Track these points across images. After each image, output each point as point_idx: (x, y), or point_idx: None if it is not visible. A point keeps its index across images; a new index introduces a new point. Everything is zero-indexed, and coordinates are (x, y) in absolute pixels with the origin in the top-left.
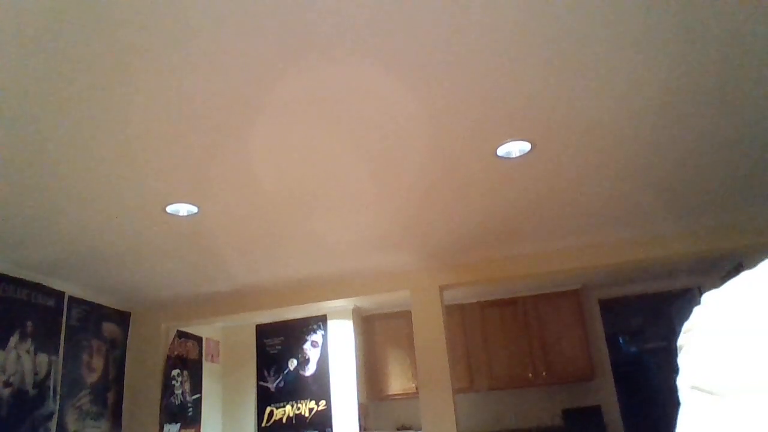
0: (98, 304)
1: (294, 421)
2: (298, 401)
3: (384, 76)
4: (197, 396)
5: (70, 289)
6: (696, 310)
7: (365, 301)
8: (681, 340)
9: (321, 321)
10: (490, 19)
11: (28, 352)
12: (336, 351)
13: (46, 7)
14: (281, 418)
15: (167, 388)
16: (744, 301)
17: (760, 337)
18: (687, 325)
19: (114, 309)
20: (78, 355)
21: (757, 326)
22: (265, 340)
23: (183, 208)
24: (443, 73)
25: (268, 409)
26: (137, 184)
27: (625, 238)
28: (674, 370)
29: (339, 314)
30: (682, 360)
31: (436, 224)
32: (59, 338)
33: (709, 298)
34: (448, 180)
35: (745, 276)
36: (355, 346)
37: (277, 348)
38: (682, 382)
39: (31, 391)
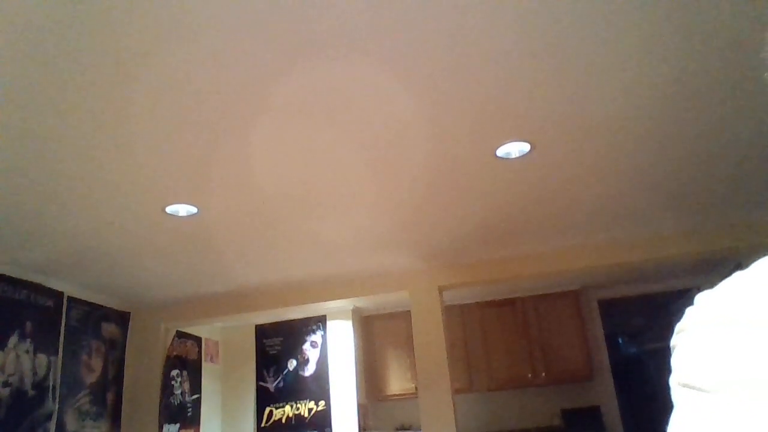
0: (97, 305)
1: (293, 422)
2: (298, 401)
3: (384, 77)
4: (196, 396)
5: (70, 289)
6: (688, 310)
7: (365, 302)
8: (673, 341)
9: (320, 321)
10: (489, 20)
11: (27, 352)
12: (335, 351)
13: (46, 8)
14: (281, 419)
15: (166, 388)
16: (733, 300)
17: (747, 333)
18: (679, 326)
19: (113, 309)
20: (77, 356)
21: (745, 323)
22: (264, 341)
23: (182, 209)
24: (443, 74)
25: (268, 409)
26: (137, 184)
27: (626, 238)
28: (670, 370)
29: (338, 314)
30: (674, 359)
31: (435, 224)
32: (58, 338)
33: (700, 298)
34: (447, 180)
35: (736, 276)
36: (355, 347)
37: (277, 348)
38: (674, 381)
39: (30, 392)
